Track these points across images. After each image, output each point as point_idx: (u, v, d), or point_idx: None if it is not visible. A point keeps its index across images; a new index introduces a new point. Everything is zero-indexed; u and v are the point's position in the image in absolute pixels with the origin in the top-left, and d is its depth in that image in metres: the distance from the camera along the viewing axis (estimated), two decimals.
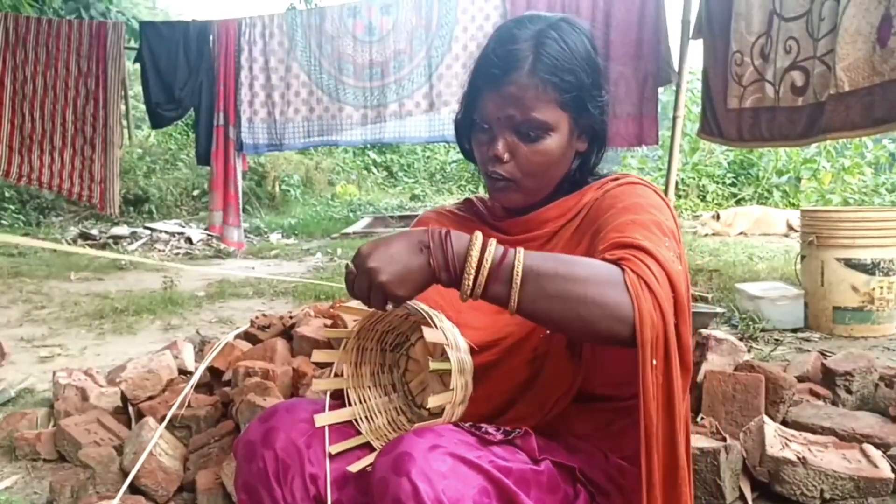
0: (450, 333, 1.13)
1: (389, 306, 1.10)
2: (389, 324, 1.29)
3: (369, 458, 1.19)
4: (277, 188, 12.33)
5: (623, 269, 1.06)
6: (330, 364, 1.39)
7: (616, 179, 1.35)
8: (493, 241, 1.08)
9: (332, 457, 1.23)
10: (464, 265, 1.06)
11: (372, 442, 1.25)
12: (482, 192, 1.58)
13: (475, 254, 1.06)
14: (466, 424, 1.15)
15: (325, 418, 1.27)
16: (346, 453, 1.24)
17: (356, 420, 1.28)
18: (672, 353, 1.06)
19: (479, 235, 1.09)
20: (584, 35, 1.31)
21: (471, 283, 1.06)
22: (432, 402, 1.11)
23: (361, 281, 1.07)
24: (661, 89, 4.73)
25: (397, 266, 1.07)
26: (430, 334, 1.11)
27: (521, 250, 1.07)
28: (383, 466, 1.04)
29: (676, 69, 4.40)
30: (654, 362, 1.05)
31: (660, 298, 1.04)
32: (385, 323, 1.29)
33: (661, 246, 1.12)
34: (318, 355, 1.32)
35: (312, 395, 2.24)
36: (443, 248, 1.07)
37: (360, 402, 1.30)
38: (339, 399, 1.32)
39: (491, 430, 1.16)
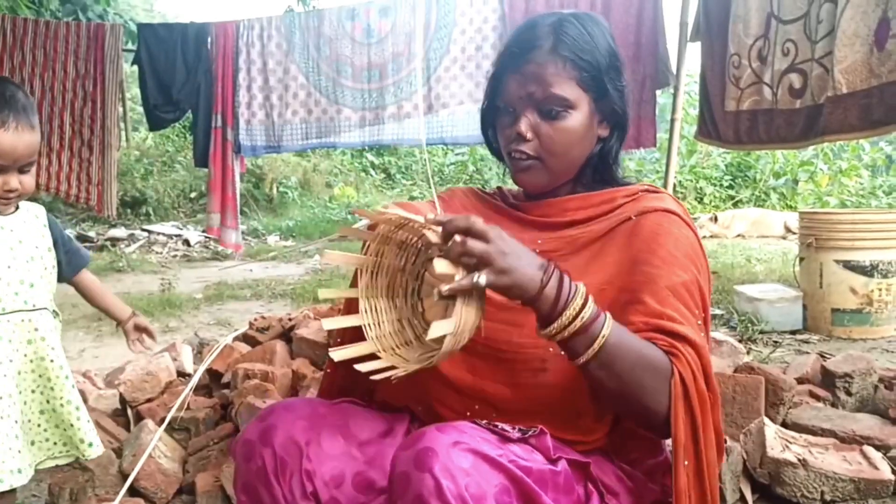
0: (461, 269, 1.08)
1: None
2: (410, 235, 1.25)
3: (373, 364, 1.14)
4: (275, 190, 12.32)
5: (673, 369, 1.13)
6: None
7: (649, 192, 1.35)
8: (591, 299, 1.11)
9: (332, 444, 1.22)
10: (565, 308, 1.09)
11: (377, 352, 1.20)
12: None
13: (579, 302, 1.09)
14: (483, 422, 1.15)
15: (333, 322, 1.25)
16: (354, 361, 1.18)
17: (366, 328, 1.24)
18: (702, 450, 1.13)
19: (583, 286, 1.12)
20: (604, 28, 1.36)
21: (564, 325, 1.09)
22: (432, 332, 1.06)
23: (480, 248, 1.05)
24: (658, 92, 4.73)
25: (517, 264, 1.07)
26: (440, 266, 1.07)
27: (610, 318, 1.12)
28: (405, 461, 1.03)
29: (674, 71, 4.41)
30: (686, 462, 1.12)
31: (693, 403, 1.12)
32: (407, 231, 1.24)
33: (696, 327, 1.19)
34: (326, 293, 1.31)
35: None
36: (560, 281, 1.10)
37: (371, 311, 1.26)
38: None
39: (507, 427, 1.16)
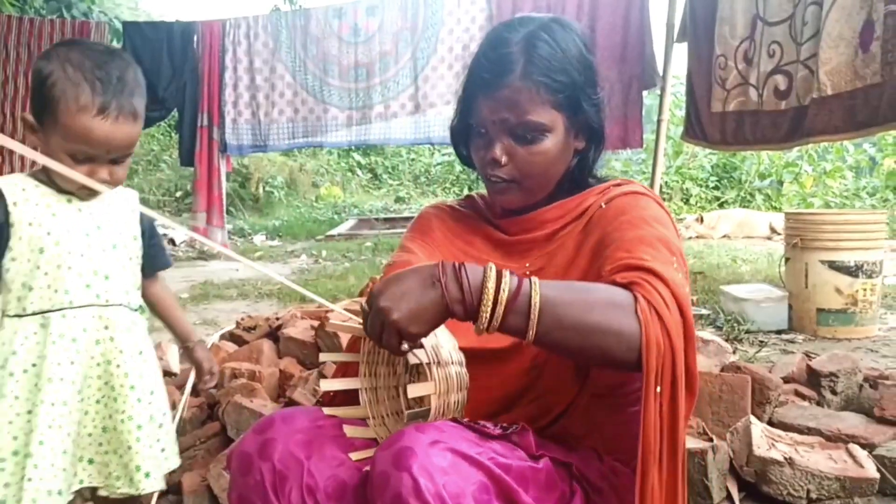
0: (432, 352, 1.12)
1: (405, 346, 1.08)
2: None
3: (370, 452, 1.17)
4: (261, 190, 12.28)
5: (635, 296, 1.07)
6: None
7: (619, 185, 1.35)
8: (507, 273, 1.07)
9: (333, 455, 1.22)
10: (480, 297, 1.05)
11: (378, 438, 1.25)
12: (459, 197, 1.58)
13: (491, 285, 1.05)
14: (465, 420, 1.15)
15: (332, 384, 1.31)
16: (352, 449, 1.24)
17: (362, 392, 1.28)
18: (679, 379, 1.07)
19: (492, 266, 1.07)
20: (575, 34, 1.31)
21: (488, 315, 1.05)
22: (411, 392, 1.10)
23: (374, 321, 1.06)
24: (645, 93, 4.75)
25: (409, 303, 1.04)
26: (412, 358, 1.11)
27: (536, 280, 1.07)
28: (384, 460, 1.03)
29: (661, 73, 4.43)
30: (659, 389, 1.06)
31: (668, 325, 1.06)
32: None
33: (669, 267, 1.13)
34: (327, 356, 1.39)
35: (301, 396, 2.23)
36: (457, 279, 1.06)
37: (369, 377, 1.29)
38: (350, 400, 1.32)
39: (489, 425, 1.16)
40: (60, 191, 1.48)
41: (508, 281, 1.06)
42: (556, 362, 1.25)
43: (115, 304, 1.51)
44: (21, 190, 1.45)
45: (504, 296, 1.04)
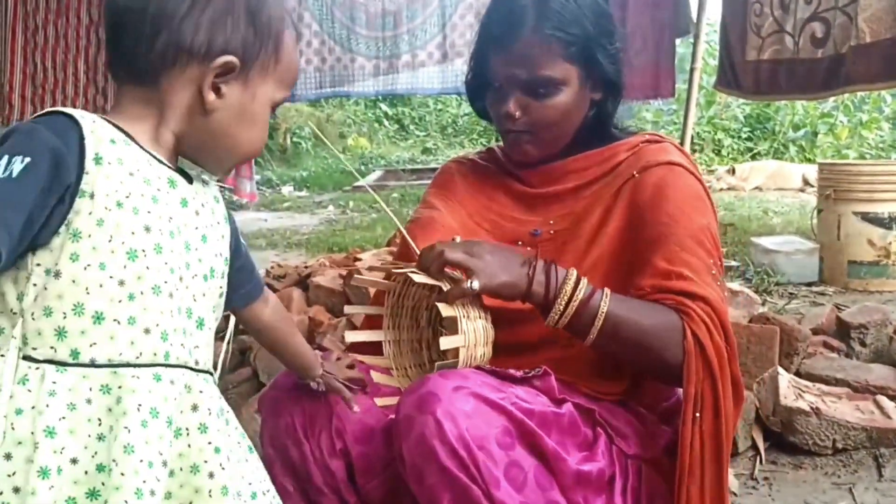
0: (461, 307, 1.15)
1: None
2: (419, 297, 1.30)
3: (395, 399, 1.20)
4: (289, 140, 12.28)
5: (683, 327, 1.16)
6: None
7: (649, 142, 1.33)
8: (584, 280, 1.17)
9: (360, 401, 1.25)
10: (558, 293, 1.15)
11: (402, 388, 1.25)
12: (480, 149, 1.58)
13: (570, 286, 1.15)
14: (487, 367, 1.16)
15: (356, 335, 1.32)
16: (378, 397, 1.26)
17: (386, 344, 1.30)
18: (720, 402, 1.15)
19: (574, 272, 1.17)
20: None
21: (560, 311, 1.15)
22: (443, 344, 1.14)
23: (457, 256, 1.15)
24: (677, 41, 4.65)
25: (501, 264, 1.16)
26: (443, 310, 1.14)
27: (607, 293, 1.17)
28: (409, 405, 1.06)
29: (694, 20, 4.33)
30: (697, 416, 1.15)
31: (710, 357, 1.15)
32: (415, 297, 1.30)
33: (708, 277, 1.20)
34: (351, 309, 1.42)
35: (331, 343, 2.26)
36: (546, 272, 1.16)
37: (392, 329, 1.31)
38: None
39: (512, 370, 1.17)
40: (160, 161, 0.91)
41: (584, 288, 1.16)
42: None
43: (203, 371, 0.93)
44: (110, 142, 0.86)
45: (576, 302, 1.15)
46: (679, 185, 1.27)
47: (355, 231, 6.04)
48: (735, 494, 1.85)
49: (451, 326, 1.17)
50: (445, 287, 1.14)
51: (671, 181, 1.27)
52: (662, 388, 1.34)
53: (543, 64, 1.25)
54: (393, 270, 1.23)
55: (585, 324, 1.16)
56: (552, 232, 1.30)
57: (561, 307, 1.15)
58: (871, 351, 2.49)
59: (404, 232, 1.31)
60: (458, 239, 1.22)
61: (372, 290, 1.67)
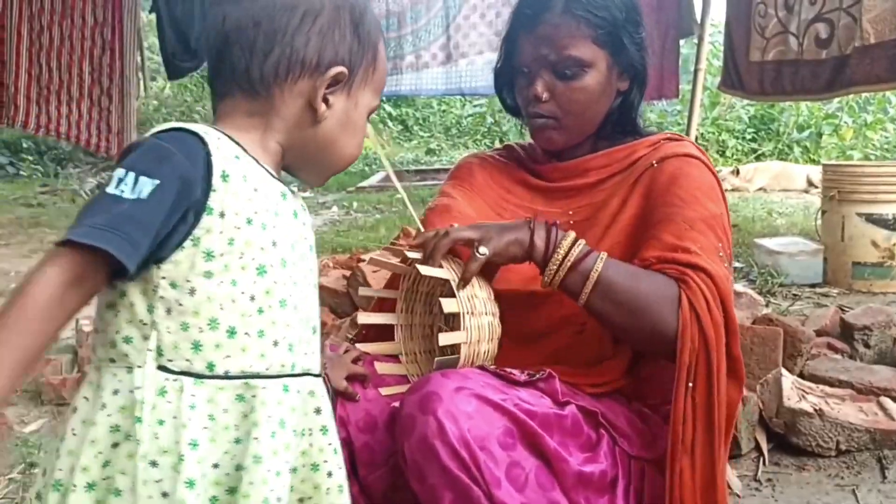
0: (466, 302, 1.16)
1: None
2: (433, 283, 1.31)
3: (400, 388, 1.21)
4: None
5: (680, 294, 1.16)
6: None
7: (670, 140, 1.35)
8: (582, 241, 1.19)
9: (365, 390, 1.26)
10: (555, 249, 1.17)
11: (408, 374, 1.28)
12: (497, 147, 1.58)
13: (566, 244, 1.17)
14: (491, 368, 1.17)
15: (368, 317, 1.33)
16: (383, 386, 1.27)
17: (398, 329, 1.31)
18: (715, 373, 1.15)
19: (572, 233, 1.19)
20: None
21: (556, 267, 1.16)
22: (443, 340, 1.15)
23: (465, 233, 1.18)
24: (682, 41, 4.65)
25: (502, 226, 1.20)
26: (447, 305, 1.15)
27: (604, 255, 1.18)
28: (411, 404, 1.07)
29: (699, 20, 4.33)
30: (691, 385, 1.15)
31: (706, 326, 1.14)
32: (430, 283, 1.31)
33: (715, 256, 1.20)
34: (365, 292, 1.47)
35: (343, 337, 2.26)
36: (546, 228, 1.18)
37: (405, 313, 1.33)
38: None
39: (515, 372, 1.18)
40: (272, 175, 0.94)
41: (580, 247, 1.17)
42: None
43: (319, 375, 0.97)
44: (234, 158, 0.88)
45: (574, 255, 1.16)
46: (694, 174, 1.29)
47: (359, 232, 6.04)
48: (738, 496, 1.85)
49: (457, 322, 1.18)
50: (454, 280, 1.15)
51: (687, 171, 1.30)
52: (666, 388, 1.34)
53: (571, 44, 1.27)
54: (408, 255, 1.24)
55: (577, 281, 1.17)
56: (571, 223, 1.32)
57: (558, 259, 1.16)
58: (874, 352, 2.48)
59: (416, 218, 1.33)
60: (455, 226, 1.22)
61: (375, 283, 1.68)
